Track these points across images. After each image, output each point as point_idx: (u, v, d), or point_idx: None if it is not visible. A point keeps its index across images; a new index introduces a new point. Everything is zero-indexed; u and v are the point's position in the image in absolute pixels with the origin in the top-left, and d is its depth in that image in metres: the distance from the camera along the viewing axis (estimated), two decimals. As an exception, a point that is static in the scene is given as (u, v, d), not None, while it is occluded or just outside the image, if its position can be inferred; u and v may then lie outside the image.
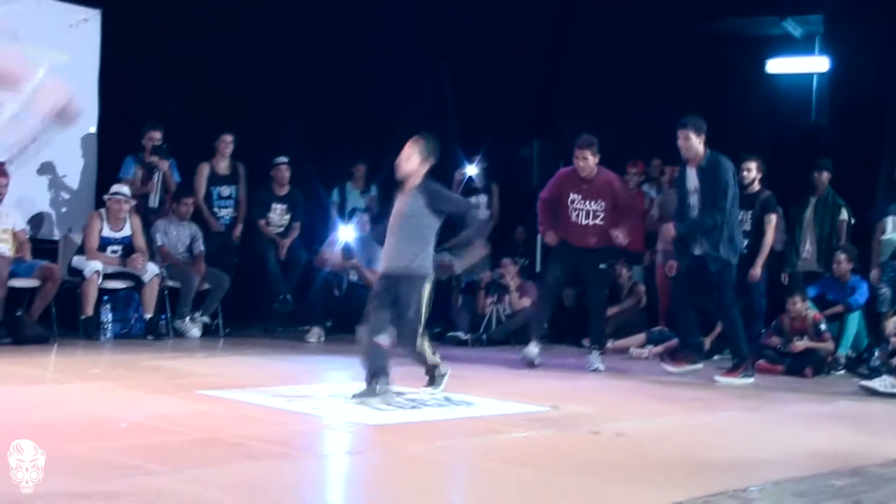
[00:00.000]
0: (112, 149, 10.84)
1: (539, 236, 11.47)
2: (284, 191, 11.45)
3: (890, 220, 10.26)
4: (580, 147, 9.00)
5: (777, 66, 13.18)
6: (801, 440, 5.87)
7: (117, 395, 6.33)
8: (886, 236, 10.22)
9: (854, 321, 9.98)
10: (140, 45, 10.93)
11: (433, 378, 6.89)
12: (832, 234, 10.71)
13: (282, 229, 11.44)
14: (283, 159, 11.36)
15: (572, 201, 9.04)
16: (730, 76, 12.67)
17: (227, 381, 7.04)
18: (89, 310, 9.68)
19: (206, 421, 5.36)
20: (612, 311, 10.73)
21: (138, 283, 10.01)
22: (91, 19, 10.87)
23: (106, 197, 10.07)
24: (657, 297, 11.40)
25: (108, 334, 9.90)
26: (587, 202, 9.01)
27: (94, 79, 10.80)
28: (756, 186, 10.24)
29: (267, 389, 6.61)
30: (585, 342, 9.65)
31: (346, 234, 11.19)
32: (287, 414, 5.81)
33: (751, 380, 8.53)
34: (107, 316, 9.94)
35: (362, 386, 6.44)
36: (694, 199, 8.69)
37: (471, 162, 12.44)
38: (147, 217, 10.60)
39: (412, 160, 6.89)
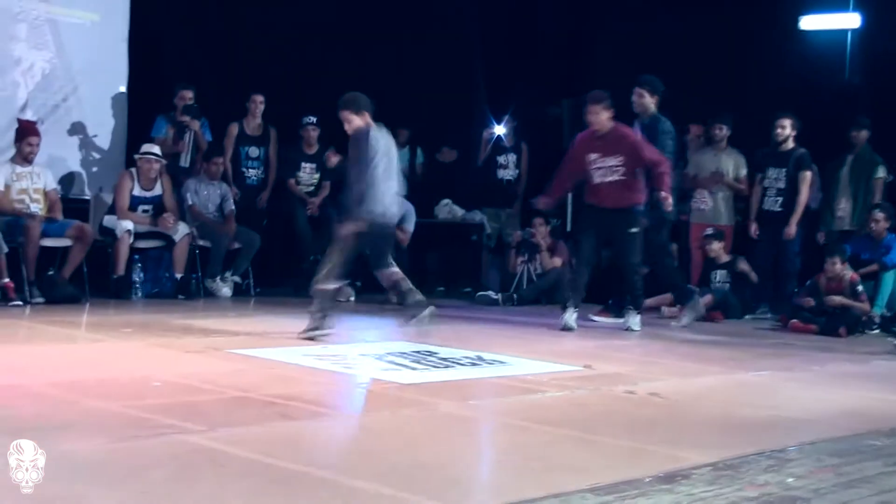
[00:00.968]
0: (143, 108, 10.85)
1: (570, 196, 11.40)
2: (313, 150, 11.43)
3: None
4: (591, 102, 8.92)
5: (810, 22, 13.00)
6: (837, 400, 5.81)
7: (150, 354, 6.34)
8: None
9: (889, 280, 9.92)
10: (169, 4, 10.90)
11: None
12: (868, 191, 10.59)
13: (311, 189, 11.42)
14: (312, 119, 11.33)
15: (592, 161, 8.93)
16: (763, 33, 12.51)
17: (258, 340, 7.04)
18: (121, 269, 9.71)
19: (239, 380, 5.35)
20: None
21: (169, 243, 10.03)
22: (121, -22, 10.86)
23: (137, 156, 10.08)
24: (689, 255, 11.32)
25: (140, 294, 9.95)
26: (605, 159, 8.89)
27: (124, 38, 10.80)
28: (790, 144, 10.15)
29: (298, 349, 6.61)
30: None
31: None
32: (319, 373, 5.79)
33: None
34: (138, 275, 9.99)
35: (394, 345, 6.54)
36: None
37: (499, 122, 12.38)
38: (178, 177, 10.60)
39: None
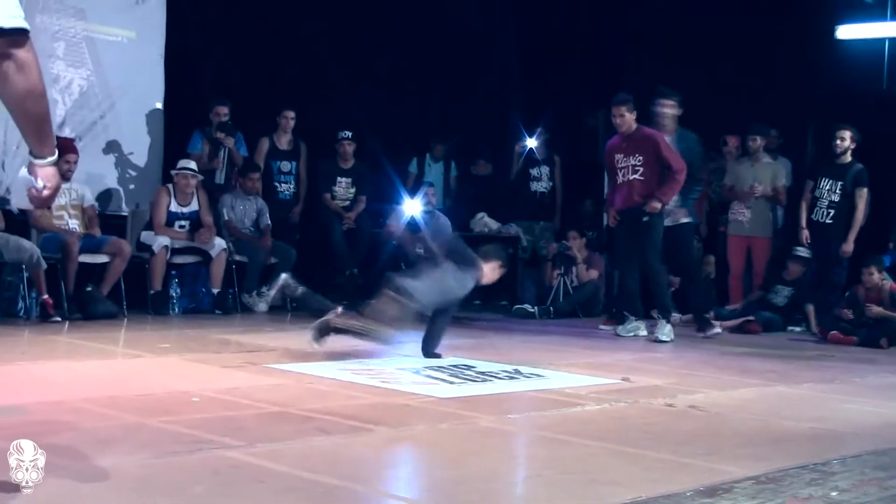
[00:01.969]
0: (178, 124, 10.91)
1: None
2: (349, 164, 11.47)
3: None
4: (615, 105, 9.09)
5: (847, 32, 12.91)
6: (880, 412, 5.74)
7: (188, 370, 6.36)
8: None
9: (930, 290, 9.78)
10: (205, 21, 10.96)
11: None
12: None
13: (347, 203, 11.45)
14: (347, 133, 11.37)
15: (617, 161, 9.10)
16: (799, 42, 12.43)
17: (295, 355, 7.04)
18: (158, 285, 9.75)
19: (277, 395, 5.35)
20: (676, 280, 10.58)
21: (206, 258, 10.07)
22: (156, -4, 10.94)
23: (173, 172, 10.14)
24: (727, 266, 11.26)
25: (177, 309, 9.99)
26: (628, 158, 9.00)
27: (160, 55, 10.86)
28: (848, 157, 10.08)
29: (335, 363, 6.60)
30: (654, 313, 9.55)
31: (411, 208, 11.18)
32: (357, 387, 5.78)
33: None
34: (175, 291, 10.03)
35: (431, 360, 6.84)
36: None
37: (531, 135, 12.38)
38: (213, 193, 10.64)
39: None
